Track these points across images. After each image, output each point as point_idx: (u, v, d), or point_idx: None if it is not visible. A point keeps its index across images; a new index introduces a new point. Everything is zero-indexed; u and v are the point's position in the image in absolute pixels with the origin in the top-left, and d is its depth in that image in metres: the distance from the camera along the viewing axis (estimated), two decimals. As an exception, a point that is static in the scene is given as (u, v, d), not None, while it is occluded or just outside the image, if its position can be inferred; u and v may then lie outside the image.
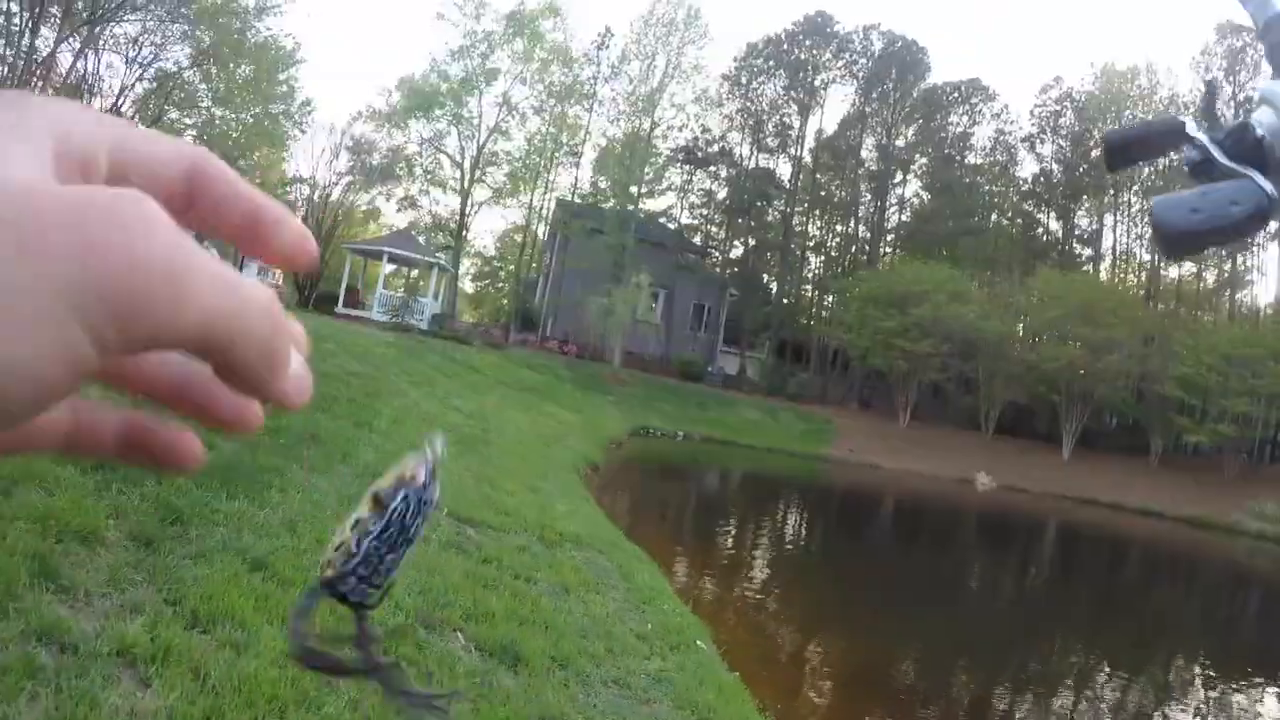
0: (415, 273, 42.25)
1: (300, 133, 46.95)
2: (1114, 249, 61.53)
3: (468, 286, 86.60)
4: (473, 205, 52.12)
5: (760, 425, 41.94)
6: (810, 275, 62.92)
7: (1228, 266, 56.09)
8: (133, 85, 37.83)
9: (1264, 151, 0.58)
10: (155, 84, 38.40)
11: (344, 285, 40.70)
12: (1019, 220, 64.07)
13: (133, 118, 37.69)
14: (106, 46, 36.19)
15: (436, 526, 7.16)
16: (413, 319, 34.65)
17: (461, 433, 12.61)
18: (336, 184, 51.48)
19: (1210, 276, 58.45)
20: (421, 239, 47.86)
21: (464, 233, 52.98)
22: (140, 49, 37.06)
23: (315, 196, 49.33)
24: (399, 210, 54.24)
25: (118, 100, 36.20)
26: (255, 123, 43.29)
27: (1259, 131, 0.59)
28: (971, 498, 36.77)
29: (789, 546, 18.21)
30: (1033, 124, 62.68)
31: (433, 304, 40.26)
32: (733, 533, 17.30)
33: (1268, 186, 0.57)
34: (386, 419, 10.52)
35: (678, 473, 28.01)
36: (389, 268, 41.67)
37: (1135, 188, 59.13)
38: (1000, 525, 30.83)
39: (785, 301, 61.88)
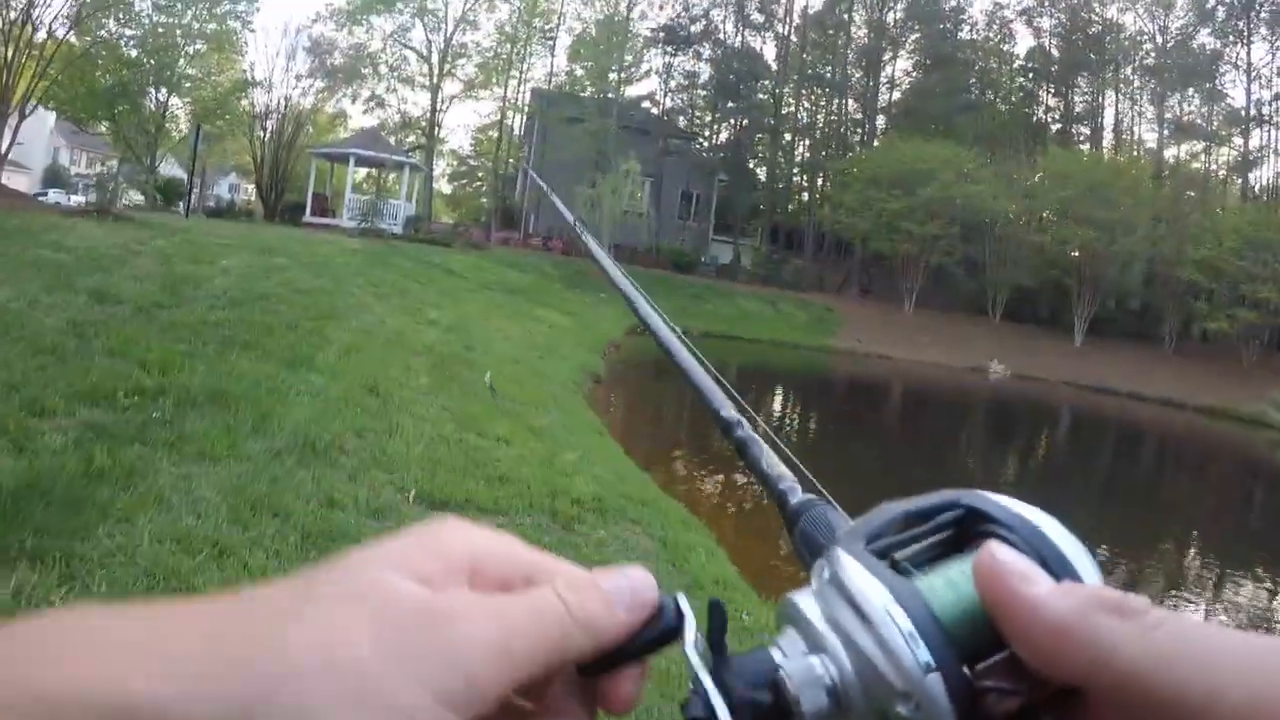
0: (390, 175, 39.28)
1: (249, 32, 43.21)
2: (1116, 127, 58.80)
3: (445, 188, 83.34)
4: (443, 100, 48.68)
5: (761, 317, 39.69)
6: (801, 158, 59.77)
7: (1238, 144, 53.72)
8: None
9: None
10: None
11: (310, 192, 37.75)
12: (1015, 97, 61.45)
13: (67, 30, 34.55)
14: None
15: (405, 524, 4.92)
16: (384, 223, 31.84)
17: (438, 354, 10.23)
18: (296, 87, 47.64)
19: (1221, 156, 56.06)
20: (391, 139, 44.65)
21: (436, 130, 49.58)
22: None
23: (273, 101, 45.58)
24: (366, 111, 50.55)
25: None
26: (200, 27, 39.81)
27: (787, 682, 0.37)
28: (986, 387, 35.01)
29: (832, 458, 16.02)
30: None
31: (406, 206, 37.39)
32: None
33: (683, 608, 0.41)
34: (337, 349, 8.12)
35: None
36: (359, 171, 38.75)
37: (1133, 65, 56.61)
38: (1022, 415, 29.44)
39: (778, 186, 58.91)
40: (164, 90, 40.28)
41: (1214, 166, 56.44)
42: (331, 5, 46.94)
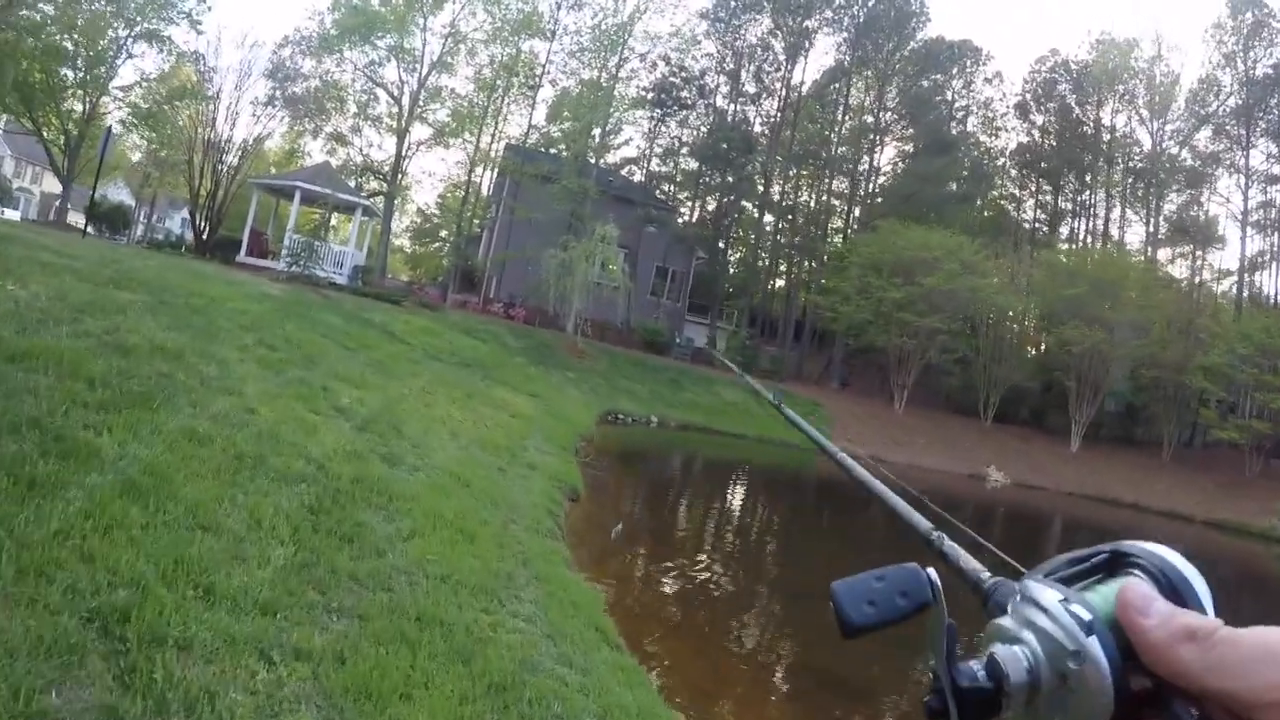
0: (346, 220, 35.18)
1: (197, 33, 39.06)
2: (1105, 228, 56.66)
3: (405, 244, 79.18)
4: (410, 145, 44.58)
5: (743, 408, 35.51)
6: (785, 239, 56.46)
7: (1235, 249, 51.93)
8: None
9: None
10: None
11: (248, 228, 33.40)
12: (1006, 190, 59.65)
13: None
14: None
15: None
16: (324, 269, 27.50)
17: (331, 479, 5.92)
18: (250, 111, 43.01)
19: (1216, 260, 54.44)
20: (351, 182, 40.42)
21: (400, 177, 45.41)
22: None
23: (219, 120, 40.81)
24: (327, 151, 46.08)
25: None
26: (142, 24, 35.91)
27: (999, 664, 0.60)
28: (991, 497, 31.49)
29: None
30: (1027, 91, 57.67)
31: (355, 254, 33.17)
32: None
33: (935, 580, 0.68)
34: (85, 499, 3.79)
35: (672, 476, 21.98)
36: (312, 212, 34.70)
37: (1126, 166, 54.98)
38: (1039, 530, 26.21)
39: (759, 265, 55.57)
40: (92, 92, 36.08)
41: (1209, 272, 55.08)
42: (302, 30, 43.13)
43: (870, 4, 52.70)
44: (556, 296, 35.20)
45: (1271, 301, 49.36)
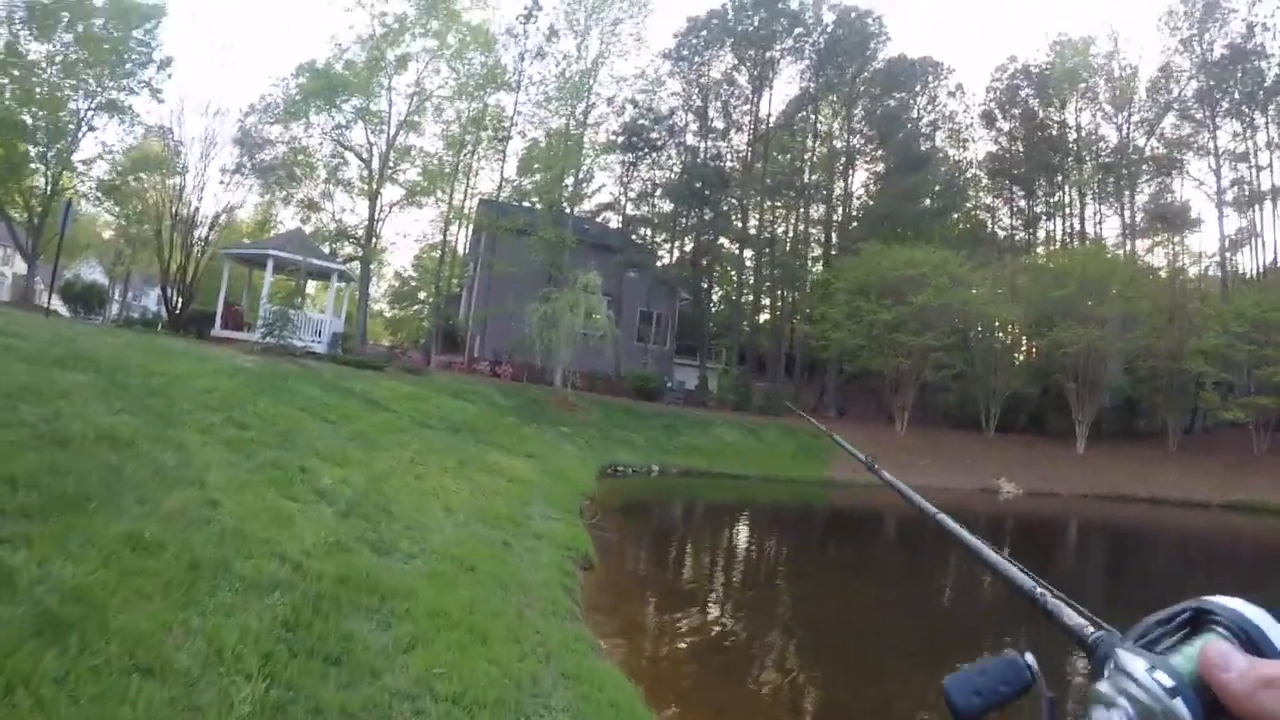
0: (307, 283, 34.30)
1: (158, 101, 38.77)
2: (1081, 225, 56.69)
3: (384, 309, 78.40)
4: (382, 208, 43.83)
5: (744, 448, 34.69)
6: (769, 272, 55.94)
7: (1214, 231, 52.12)
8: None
9: None
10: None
11: (221, 301, 32.50)
12: (980, 200, 59.66)
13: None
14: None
15: None
16: (301, 339, 26.57)
17: (311, 582, 5.00)
18: (217, 179, 42.32)
19: (1196, 244, 54.63)
20: (326, 248, 39.62)
21: (374, 239, 44.59)
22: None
23: (186, 191, 39.83)
24: (300, 218, 45.23)
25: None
26: (102, 94, 35.49)
27: None
28: (1006, 509, 30.75)
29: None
30: (990, 100, 57.85)
31: (334, 321, 32.25)
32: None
33: (1033, 664, 0.81)
34: None
35: (683, 527, 21.19)
36: (287, 280, 33.89)
37: (1096, 162, 55.01)
38: (1067, 538, 25.53)
39: (744, 302, 54.96)
40: (54, 167, 35.48)
41: (1188, 257, 55.79)
42: (267, 98, 42.59)
43: (830, 29, 53.00)
44: (542, 350, 34.33)
45: (1255, 277, 49.21)
